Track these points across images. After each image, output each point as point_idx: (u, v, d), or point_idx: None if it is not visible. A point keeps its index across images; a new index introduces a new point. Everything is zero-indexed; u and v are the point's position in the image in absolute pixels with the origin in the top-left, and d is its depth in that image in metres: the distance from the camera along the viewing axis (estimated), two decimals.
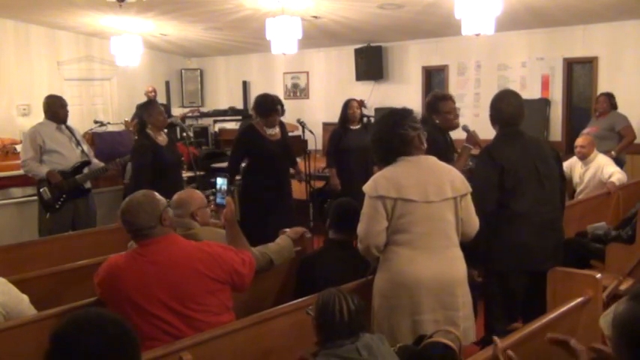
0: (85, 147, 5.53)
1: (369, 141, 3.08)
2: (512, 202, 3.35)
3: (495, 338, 2.29)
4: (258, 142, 5.19)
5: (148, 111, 5.14)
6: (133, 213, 2.68)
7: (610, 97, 6.72)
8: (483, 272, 3.62)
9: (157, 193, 2.81)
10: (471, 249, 3.07)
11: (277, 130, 5.33)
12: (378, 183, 2.81)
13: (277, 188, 5.24)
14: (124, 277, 2.62)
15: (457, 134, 4.37)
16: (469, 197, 2.93)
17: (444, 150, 3.95)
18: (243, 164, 5.42)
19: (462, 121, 4.41)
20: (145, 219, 2.66)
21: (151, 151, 4.92)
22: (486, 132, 4.39)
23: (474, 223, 2.96)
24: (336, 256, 3.33)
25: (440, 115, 4.16)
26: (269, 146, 5.19)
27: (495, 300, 3.49)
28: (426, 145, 2.93)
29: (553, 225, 3.47)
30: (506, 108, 3.50)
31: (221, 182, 3.07)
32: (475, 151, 4.19)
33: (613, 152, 6.21)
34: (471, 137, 4.19)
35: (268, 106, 5.22)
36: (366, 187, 2.85)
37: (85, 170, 5.37)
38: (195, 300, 2.62)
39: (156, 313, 2.57)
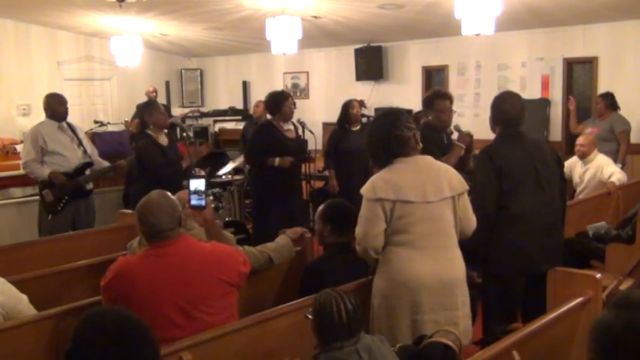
0: (89, 146, 5.51)
1: (365, 143, 3.08)
2: (511, 203, 3.34)
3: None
4: (277, 137, 5.24)
5: (149, 111, 5.15)
6: (155, 214, 2.60)
7: (606, 98, 6.68)
8: (482, 274, 3.62)
9: (169, 193, 2.77)
10: (471, 250, 3.07)
11: (292, 127, 5.41)
12: (376, 185, 2.81)
13: (289, 186, 5.28)
14: (137, 277, 2.56)
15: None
16: (466, 196, 2.94)
17: (439, 147, 3.97)
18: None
19: (462, 121, 4.43)
20: (166, 220, 2.60)
21: (158, 148, 4.96)
22: (486, 132, 4.38)
23: (471, 221, 2.97)
24: (343, 261, 3.28)
25: (433, 112, 4.20)
26: (287, 142, 5.24)
27: (494, 301, 3.49)
28: (421, 145, 2.94)
29: (552, 227, 3.46)
30: (510, 109, 3.48)
31: (196, 184, 2.98)
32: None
33: (619, 163, 6.19)
34: (463, 136, 4.19)
35: (278, 97, 5.31)
36: (364, 190, 2.84)
37: (88, 172, 5.36)
38: (207, 303, 2.60)
39: (167, 315, 2.53)
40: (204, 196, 2.90)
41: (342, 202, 3.54)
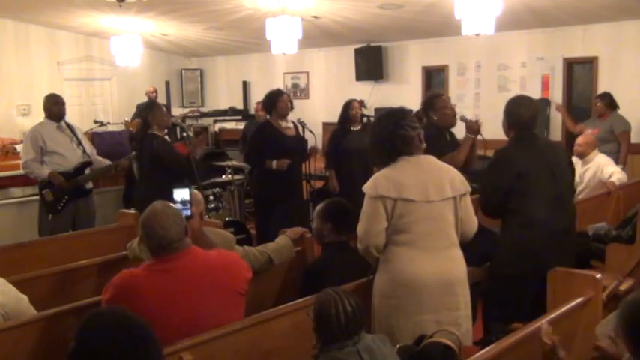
0: (88, 146, 5.52)
1: (368, 143, 3.07)
2: (529, 208, 3.32)
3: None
4: (275, 136, 5.24)
5: (153, 112, 5.08)
6: (163, 225, 2.46)
7: (604, 98, 6.65)
8: (486, 272, 3.59)
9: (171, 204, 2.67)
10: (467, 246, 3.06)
11: (291, 125, 5.41)
12: (379, 183, 2.81)
13: (289, 186, 5.28)
14: (144, 294, 2.43)
15: (460, 131, 4.38)
16: (468, 197, 2.94)
17: (441, 146, 3.96)
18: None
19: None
20: (175, 231, 2.48)
21: (172, 148, 4.97)
22: (486, 132, 4.40)
23: (472, 222, 2.96)
24: (343, 260, 3.29)
25: (437, 112, 4.21)
26: (286, 141, 5.25)
27: (496, 301, 3.48)
28: (425, 144, 2.93)
29: (566, 231, 3.45)
30: (524, 112, 3.46)
31: (181, 194, 2.88)
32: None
33: (619, 165, 6.17)
34: (471, 126, 4.17)
35: (272, 95, 5.35)
36: (366, 187, 2.84)
37: (87, 171, 5.37)
38: (217, 315, 2.53)
39: (177, 329, 2.44)
40: (189, 205, 2.87)
41: (342, 201, 3.55)
